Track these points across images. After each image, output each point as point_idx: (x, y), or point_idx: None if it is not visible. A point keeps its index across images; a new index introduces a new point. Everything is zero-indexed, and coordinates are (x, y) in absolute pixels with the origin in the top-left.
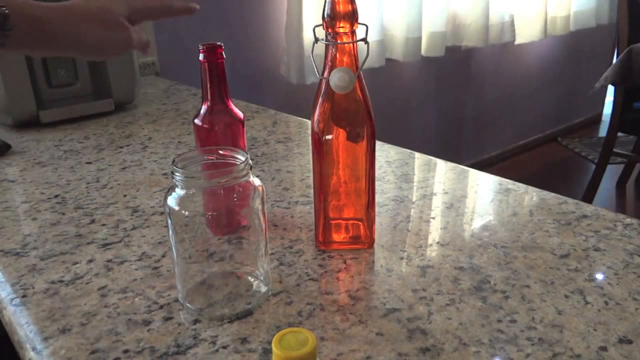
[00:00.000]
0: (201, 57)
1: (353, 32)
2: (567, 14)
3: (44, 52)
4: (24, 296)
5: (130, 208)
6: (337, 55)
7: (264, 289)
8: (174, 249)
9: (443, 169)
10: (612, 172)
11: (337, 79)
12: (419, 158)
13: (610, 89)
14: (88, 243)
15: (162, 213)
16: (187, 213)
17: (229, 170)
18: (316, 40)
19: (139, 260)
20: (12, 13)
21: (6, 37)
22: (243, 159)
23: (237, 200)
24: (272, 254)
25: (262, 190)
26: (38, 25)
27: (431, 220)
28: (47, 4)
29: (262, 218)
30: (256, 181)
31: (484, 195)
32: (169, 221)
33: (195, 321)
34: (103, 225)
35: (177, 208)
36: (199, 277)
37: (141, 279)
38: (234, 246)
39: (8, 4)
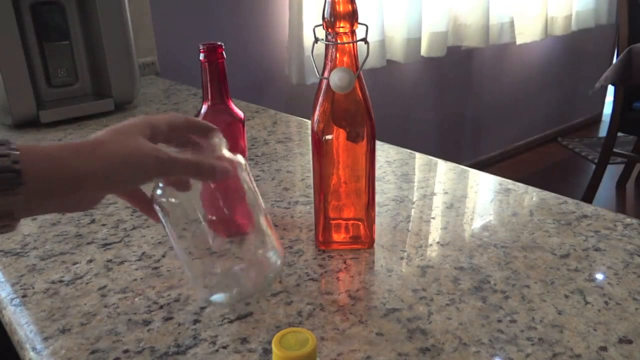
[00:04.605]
0: (201, 57)
1: (353, 32)
2: (567, 14)
3: (62, 210)
4: (24, 296)
5: (130, 208)
6: (337, 55)
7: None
8: (171, 239)
9: (443, 169)
10: (612, 172)
11: (337, 79)
12: (419, 158)
13: (610, 89)
14: (88, 243)
15: None
16: (175, 200)
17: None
18: (316, 40)
19: (139, 260)
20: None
21: (17, 196)
22: (217, 140)
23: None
24: None
25: (245, 163)
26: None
27: (431, 220)
28: (58, 145)
29: (254, 188)
30: (238, 157)
31: (484, 195)
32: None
33: (195, 321)
34: (103, 225)
35: (164, 199)
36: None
37: (141, 279)
38: (234, 243)
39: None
